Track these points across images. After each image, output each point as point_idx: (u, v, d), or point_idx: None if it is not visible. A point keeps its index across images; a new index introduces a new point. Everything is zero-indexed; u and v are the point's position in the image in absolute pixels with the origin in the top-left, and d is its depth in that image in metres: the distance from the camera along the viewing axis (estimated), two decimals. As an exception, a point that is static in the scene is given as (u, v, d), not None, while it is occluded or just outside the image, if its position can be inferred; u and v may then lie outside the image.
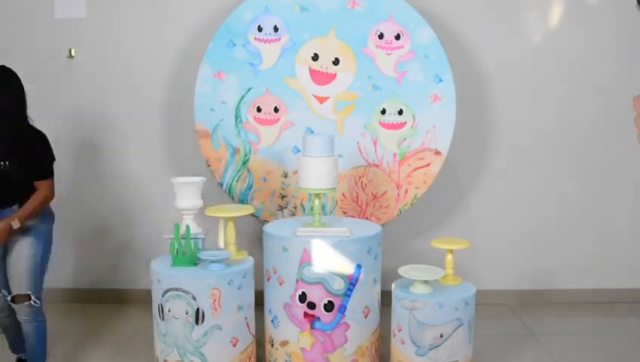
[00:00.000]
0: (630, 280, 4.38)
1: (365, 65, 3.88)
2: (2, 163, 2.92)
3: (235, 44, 3.88)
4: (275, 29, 3.88)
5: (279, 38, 3.89)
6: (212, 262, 3.07)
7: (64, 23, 4.17)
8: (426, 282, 3.13)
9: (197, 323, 3.00)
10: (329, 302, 3.11)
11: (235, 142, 3.90)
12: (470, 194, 4.30)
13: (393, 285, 3.24)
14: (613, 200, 4.32)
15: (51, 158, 3.11)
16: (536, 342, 3.77)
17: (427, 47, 3.87)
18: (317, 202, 3.27)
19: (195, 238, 3.19)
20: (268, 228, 3.31)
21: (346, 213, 3.89)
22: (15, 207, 3.02)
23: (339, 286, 3.10)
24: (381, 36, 3.87)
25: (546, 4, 4.16)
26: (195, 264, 3.09)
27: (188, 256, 3.11)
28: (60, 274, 4.34)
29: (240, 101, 3.91)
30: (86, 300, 4.32)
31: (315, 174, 3.20)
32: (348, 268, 3.11)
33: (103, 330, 3.91)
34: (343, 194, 3.71)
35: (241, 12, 3.88)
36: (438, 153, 3.89)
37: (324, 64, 3.89)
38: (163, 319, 3.08)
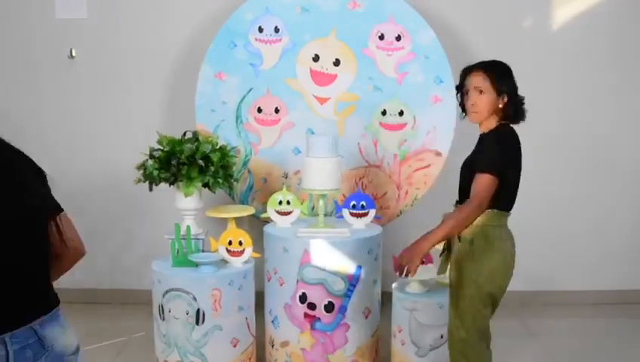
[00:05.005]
0: (630, 282, 4.38)
1: (366, 66, 3.88)
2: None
3: (235, 45, 3.88)
4: (276, 29, 3.88)
5: (280, 39, 3.89)
6: (202, 264, 3.07)
7: (65, 24, 4.17)
8: (422, 282, 3.14)
9: (197, 323, 3.00)
10: (329, 302, 3.11)
11: (235, 142, 3.89)
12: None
13: (394, 286, 3.24)
14: (613, 202, 4.32)
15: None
16: (536, 342, 3.77)
17: (428, 48, 3.87)
18: (321, 203, 3.27)
19: (196, 239, 3.19)
20: (268, 228, 3.32)
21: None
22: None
23: (339, 286, 3.10)
24: (382, 37, 3.87)
25: (548, 5, 4.16)
26: (196, 265, 3.09)
27: (181, 256, 3.11)
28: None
29: (241, 102, 3.91)
30: (86, 300, 4.31)
31: (319, 175, 3.20)
32: (348, 268, 3.11)
33: (103, 330, 3.90)
34: (343, 195, 3.71)
35: (242, 13, 3.88)
36: (438, 154, 3.89)
37: (325, 65, 3.89)
38: (163, 319, 3.08)
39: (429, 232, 2.38)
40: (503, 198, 2.44)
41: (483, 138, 2.51)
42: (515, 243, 2.61)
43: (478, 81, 2.44)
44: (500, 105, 2.45)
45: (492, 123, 2.48)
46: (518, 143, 2.49)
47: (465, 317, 2.51)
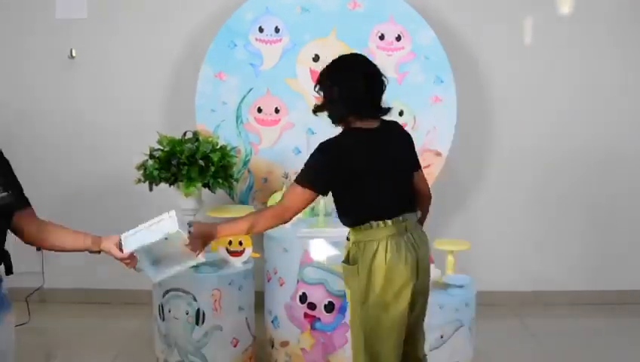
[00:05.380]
0: (630, 282, 4.38)
1: (366, 66, 3.88)
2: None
3: (236, 45, 3.88)
4: (276, 29, 3.88)
5: (280, 39, 3.89)
6: (202, 264, 3.06)
7: (65, 24, 4.16)
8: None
9: (197, 323, 3.01)
10: (329, 302, 3.11)
11: (235, 142, 3.89)
12: (471, 195, 4.30)
13: (394, 286, 3.24)
14: (614, 202, 4.32)
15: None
16: (536, 343, 3.77)
17: (428, 48, 3.87)
18: (321, 203, 3.27)
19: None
20: (268, 228, 3.31)
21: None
22: None
23: (339, 286, 3.10)
24: (382, 37, 3.87)
25: (547, 4, 4.16)
26: (196, 265, 3.08)
27: None
28: (60, 274, 4.34)
29: (241, 102, 3.91)
30: (86, 300, 4.31)
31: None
32: (348, 268, 3.11)
33: (103, 331, 3.90)
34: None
35: (242, 13, 3.88)
36: (438, 154, 3.89)
37: (325, 65, 3.88)
38: (163, 320, 3.08)
39: (229, 221, 2.34)
40: (362, 210, 2.24)
41: None
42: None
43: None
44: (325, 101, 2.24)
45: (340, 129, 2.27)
46: (345, 152, 2.19)
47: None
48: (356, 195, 2.23)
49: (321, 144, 2.22)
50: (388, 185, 2.25)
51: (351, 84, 2.21)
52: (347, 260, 2.28)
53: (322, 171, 2.20)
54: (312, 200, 2.25)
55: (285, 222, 2.32)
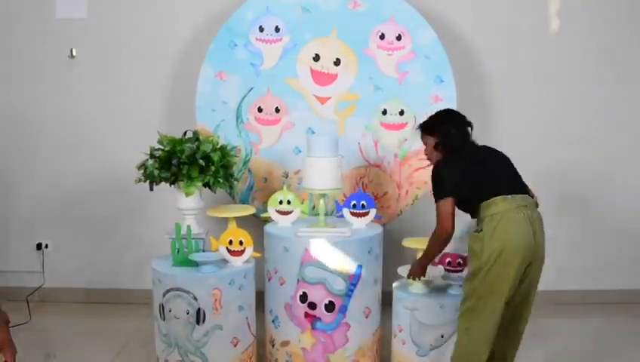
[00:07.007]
0: (630, 282, 4.38)
1: (366, 65, 3.88)
2: None
3: (236, 45, 3.88)
4: (277, 29, 3.88)
5: (280, 39, 3.89)
6: (203, 264, 3.07)
7: (65, 23, 4.17)
8: (425, 282, 3.13)
9: (198, 323, 3.00)
10: (330, 302, 3.11)
11: (236, 142, 3.89)
12: (471, 195, 4.29)
13: (394, 285, 3.24)
14: (614, 202, 4.32)
15: None
16: (536, 343, 3.77)
17: (428, 48, 3.87)
18: (321, 202, 3.27)
19: (197, 238, 3.19)
20: (269, 228, 3.32)
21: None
22: None
23: (340, 286, 3.11)
24: (382, 37, 3.87)
25: (547, 4, 4.16)
26: (197, 264, 3.09)
27: (182, 255, 3.11)
28: (60, 274, 4.34)
29: (241, 101, 3.91)
30: (86, 300, 4.32)
31: (320, 174, 3.20)
32: (349, 268, 3.11)
33: (103, 330, 3.90)
34: (344, 195, 3.71)
35: (243, 12, 3.89)
36: (438, 154, 3.88)
37: (326, 65, 3.89)
38: (164, 319, 3.08)
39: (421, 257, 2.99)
40: (474, 198, 2.80)
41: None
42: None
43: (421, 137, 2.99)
44: (432, 145, 2.90)
45: (437, 159, 2.90)
46: (454, 165, 2.81)
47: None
48: (473, 186, 2.89)
49: (435, 169, 2.88)
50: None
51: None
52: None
53: (447, 182, 2.84)
54: None
55: None
